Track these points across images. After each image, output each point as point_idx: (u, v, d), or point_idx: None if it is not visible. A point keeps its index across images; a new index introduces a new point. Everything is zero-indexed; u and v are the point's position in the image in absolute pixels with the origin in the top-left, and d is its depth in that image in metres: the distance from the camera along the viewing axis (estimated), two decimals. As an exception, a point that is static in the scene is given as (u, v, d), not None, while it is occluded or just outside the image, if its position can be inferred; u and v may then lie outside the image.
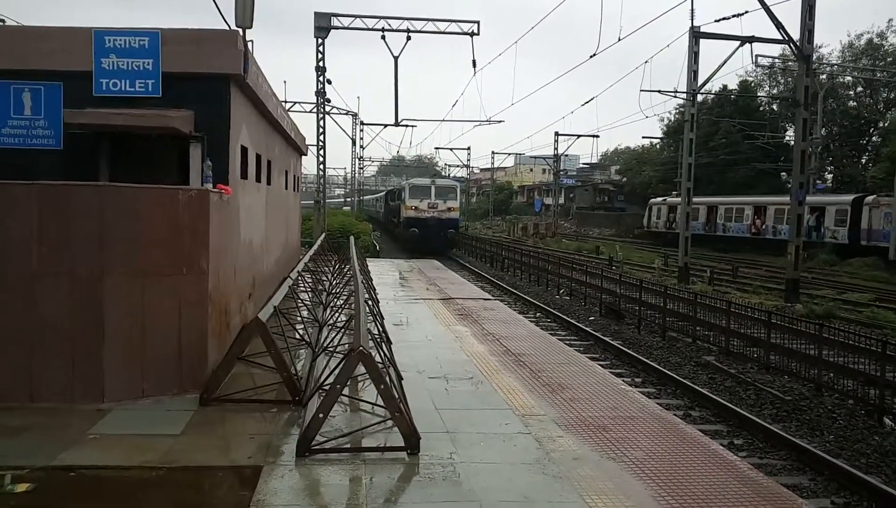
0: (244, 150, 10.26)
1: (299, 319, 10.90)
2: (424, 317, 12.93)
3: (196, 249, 7.58)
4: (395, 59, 28.92)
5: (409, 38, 27.85)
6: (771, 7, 22.16)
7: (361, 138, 59.68)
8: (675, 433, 6.84)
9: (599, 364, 10.95)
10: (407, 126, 43.59)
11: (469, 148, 61.39)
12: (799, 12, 22.55)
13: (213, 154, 8.85)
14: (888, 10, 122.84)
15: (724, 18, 25.08)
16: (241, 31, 8.94)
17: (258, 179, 11.92)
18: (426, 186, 40.75)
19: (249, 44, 9.16)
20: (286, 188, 16.96)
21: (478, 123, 48.03)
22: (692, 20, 27.85)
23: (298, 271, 13.35)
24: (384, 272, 20.53)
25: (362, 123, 55.98)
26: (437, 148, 62.56)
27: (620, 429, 6.82)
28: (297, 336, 9.64)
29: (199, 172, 8.74)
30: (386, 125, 43.50)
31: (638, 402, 7.90)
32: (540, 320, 18.74)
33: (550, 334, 13.50)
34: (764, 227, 44.01)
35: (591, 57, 24.65)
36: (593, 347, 15.56)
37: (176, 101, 8.68)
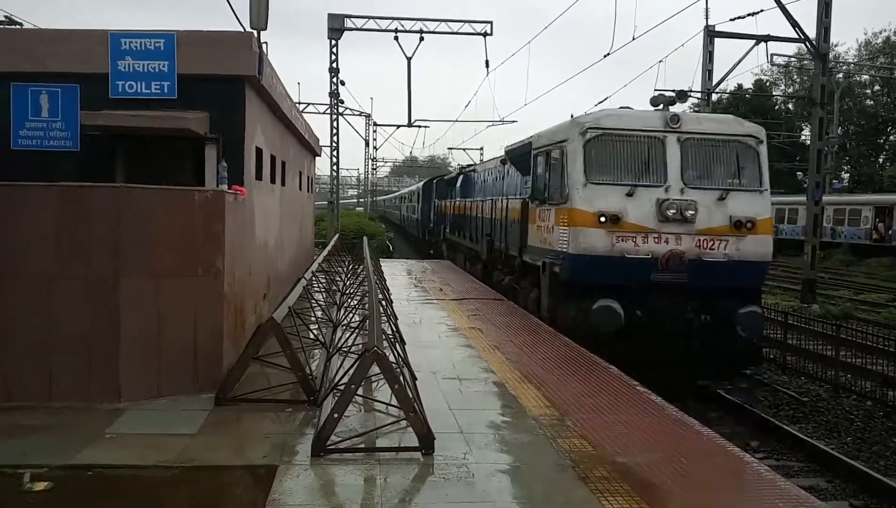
0: (259, 151, 10.30)
1: (313, 319, 10.93)
2: (438, 317, 12.92)
3: (211, 250, 7.61)
4: (409, 59, 28.99)
5: (422, 38, 27.90)
6: (786, 5, 22.00)
7: (374, 139, 59.84)
8: (678, 425, 6.78)
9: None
10: (420, 127, 43.60)
11: (482, 148, 61.31)
12: (815, 10, 22.37)
13: (229, 155, 8.90)
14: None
15: (738, 17, 24.82)
16: (255, 32, 8.98)
17: (273, 180, 11.97)
18: (653, 135, 11.08)
19: (264, 45, 9.21)
20: (300, 189, 17.01)
21: (490, 123, 47.86)
22: (707, 19, 27.65)
23: (312, 272, 13.38)
24: (397, 273, 20.55)
25: (375, 124, 56.10)
26: (449, 148, 62.32)
27: (633, 428, 6.77)
28: (312, 336, 9.67)
29: (215, 173, 8.78)
30: (399, 126, 43.56)
31: (653, 403, 7.84)
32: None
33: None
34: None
35: (604, 56, 24.39)
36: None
37: (191, 102, 8.73)
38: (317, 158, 22.03)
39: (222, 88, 8.95)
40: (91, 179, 8.04)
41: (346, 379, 6.27)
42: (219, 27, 9.11)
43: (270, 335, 7.41)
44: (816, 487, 8.04)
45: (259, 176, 10.40)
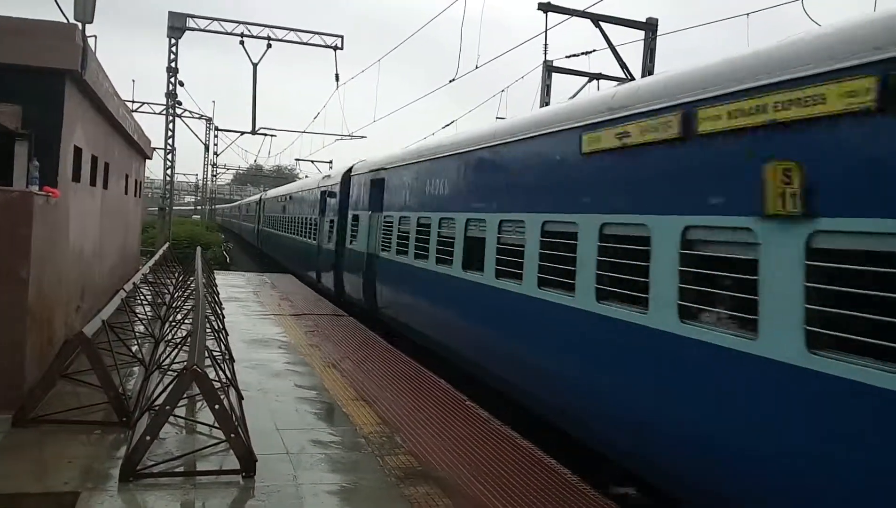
0: (78, 151, 9.57)
1: (133, 334, 10.24)
2: (273, 333, 12.58)
3: (15, 256, 6.97)
4: (255, 65, 28.19)
5: (269, 45, 27.26)
6: (617, 47, 23.80)
7: (216, 145, 57.35)
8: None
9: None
10: (266, 135, 42.35)
11: (331, 162, 60.41)
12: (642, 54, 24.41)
13: (42, 154, 8.18)
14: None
15: (574, 55, 26.48)
16: (80, 25, 8.38)
17: (93, 183, 11.15)
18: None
19: (91, 40, 8.61)
20: (126, 193, 15.98)
21: (339, 137, 47.42)
22: (545, 55, 29.21)
23: (135, 283, 12.58)
24: (235, 286, 19.78)
25: (217, 129, 53.80)
26: (297, 159, 61.16)
27: (459, 442, 6.94)
28: (130, 353, 9.05)
29: (25, 172, 8.06)
30: (242, 133, 42.19)
31: (479, 417, 8.07)
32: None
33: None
34: None
35: (450, 82, 25.13)
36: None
37: (2, 94, 7.96)
38: (148, 160, 20.81)
39: (39, 82, 8.23)
40: None
41: (163, 399, 5.93)
42: (40, 17, 8.35)
43: (81, 350, 6.87)
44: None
45: (77, 177, 9.65)
